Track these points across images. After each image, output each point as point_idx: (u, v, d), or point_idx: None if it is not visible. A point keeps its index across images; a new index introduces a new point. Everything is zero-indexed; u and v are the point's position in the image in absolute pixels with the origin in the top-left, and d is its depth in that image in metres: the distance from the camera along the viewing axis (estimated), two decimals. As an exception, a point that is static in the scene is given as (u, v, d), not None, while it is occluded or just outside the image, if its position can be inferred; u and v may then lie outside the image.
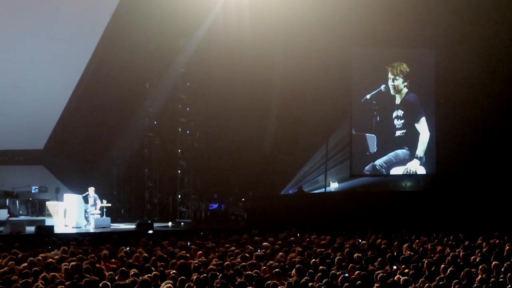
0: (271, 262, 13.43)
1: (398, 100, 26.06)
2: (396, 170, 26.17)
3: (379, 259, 13.64)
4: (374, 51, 26.15)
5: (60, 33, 22.79)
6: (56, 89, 23.55)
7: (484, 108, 25.54)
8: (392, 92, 25.97)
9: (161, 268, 12.59)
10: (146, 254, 14.30)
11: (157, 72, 24.51)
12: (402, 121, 26.04)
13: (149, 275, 11.88)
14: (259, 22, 23.48)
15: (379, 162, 25.92)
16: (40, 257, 13.75)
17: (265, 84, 24.20)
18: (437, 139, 26.32)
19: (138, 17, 23.19)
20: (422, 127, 26.23)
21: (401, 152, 26.12)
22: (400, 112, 26.01)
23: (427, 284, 11.24)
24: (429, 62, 26.42)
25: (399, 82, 25.90)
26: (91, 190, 21.90)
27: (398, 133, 26.12)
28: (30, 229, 20.50)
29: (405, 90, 26.05)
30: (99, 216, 21.82)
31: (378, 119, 25.99)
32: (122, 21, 23.25)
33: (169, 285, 10.65)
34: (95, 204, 21.83)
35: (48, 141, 24.48)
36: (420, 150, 26.25)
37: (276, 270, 12.21)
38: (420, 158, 26.21)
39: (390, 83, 25.92)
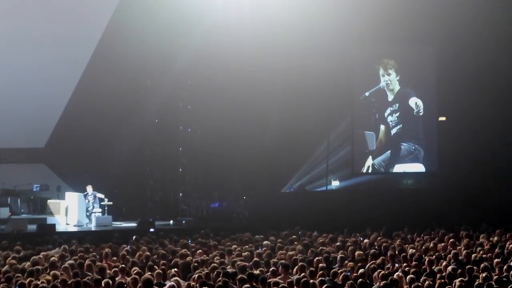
0: (273, 260, 13.46)
1: (390, 97, 26.01)
2: (398, 168, 26.15)
3: (380, 257, 13.66)
4: (374, 49, 26.13)
5: (61, 31, 22.79)
6: (57, 87, 23.54)
7: (485, 105, 25.49)
8: (386, 89, 25.89)
9: (163, 266, 12.61)
10: (147, 252, 14.32)
11: (158, 70, 24.48)
12: (397, 114, 25.97)
13: (150, 273, 11.91)
14: (259, 20, 23.46)
15: (377, 161, 25.89)
16: (41, 255, 13.77)
17: (266, 82, 24.16)
18: (438, 137, 26.31)
19: (139, 14, 23.17)
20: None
21: (402, 147, 26.08)
22: (394, 107, 25.94)
23: (428, 281, 11.25)
24: (430, 59, 26.38)
25: (393, 76, 25.85)
26: (89, 188, 21.94)
27: (394, 130, 26.08)
28: (32, 227, 20.49)
29: (397, 85, 26.01)
30: (100, 214, 21.84)
31: (377, 117, 25.97)
32: (123, 19, 23.23)
33: (173, 283, 10.66)
34: (95, 201, 21.84)
35: (50, 140, 24.48)
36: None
37: (278, 267, 12.24)
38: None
39: (385, 79, 25.86)
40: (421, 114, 26.18)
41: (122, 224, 22.41)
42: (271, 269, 12.35)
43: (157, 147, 25.17)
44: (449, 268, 12.07)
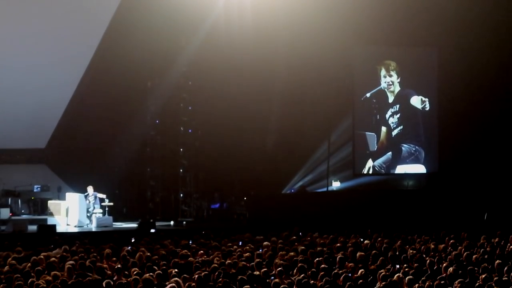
0: (273, 261, 13.44)
1: (391, 99, 25.99)
2: (399, 169, 26.12)
3: (381, 258, 13.63)
4: (375, 50, 26.13)
5: (62, 31, 22.79)
6: (58, 88, 23.55)
7: (486, 107, 25.50)
8: (387, 91, 25.87)
9: (163, 267, 12.60)
10: (148, 253, 14.31)
11: (159, 71, 24.49)
12: (398, 115, 25.95)
13: (151, 274, 11.90)
14: (260, 21, 23.48)
15: (377, 162, 25.86)
16: (42, 256, 13.76)
17: (267, 83, 24.19)
18: (439, 138, 26.29)
19: (140, 15, 23.18)
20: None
21: (403, 148, 26.07)
22: (395, 108, 25.92)
23: (429, 283, 11.23)
24: (432, 60, 26.36)
25: (394, 78, 25.83)
26: (90, 189, 21.95)
27: (395, 131, 26.05)
28: (32, 228, 20.51)
29: (398, 87, 26.00)
30: (101, 215, 21.84)
31: (378, 118, 25.95)
32: (124, 20, 23.24)
33: (173, 284, 10.65)
34: (96, 202, 21.86)
35: (50, 140, 24.48)
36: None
37: (279, 269, 12.22)
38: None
39: (386, 80, 25.82)
40: (427, 109, 26.13)
41: (123, 224, 22.42)
42: (271, 270, 12.34)
43: (158, 147, 25.18)
44: (450, 269, 12.05)
